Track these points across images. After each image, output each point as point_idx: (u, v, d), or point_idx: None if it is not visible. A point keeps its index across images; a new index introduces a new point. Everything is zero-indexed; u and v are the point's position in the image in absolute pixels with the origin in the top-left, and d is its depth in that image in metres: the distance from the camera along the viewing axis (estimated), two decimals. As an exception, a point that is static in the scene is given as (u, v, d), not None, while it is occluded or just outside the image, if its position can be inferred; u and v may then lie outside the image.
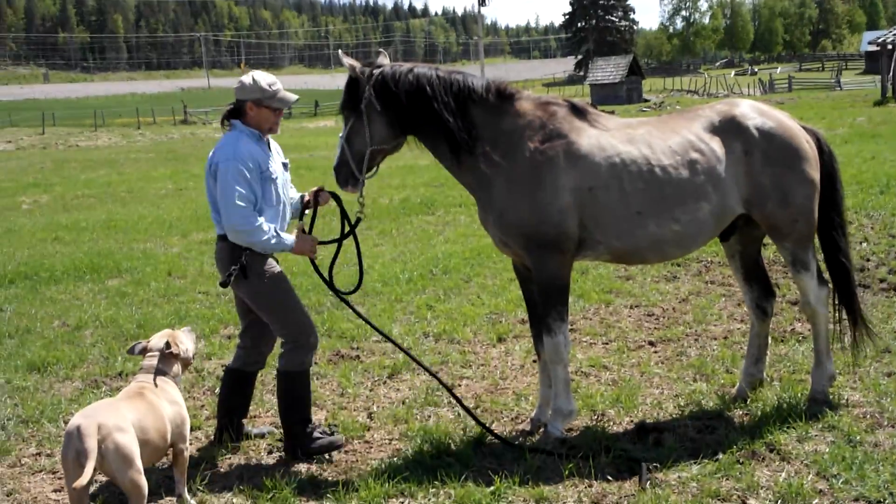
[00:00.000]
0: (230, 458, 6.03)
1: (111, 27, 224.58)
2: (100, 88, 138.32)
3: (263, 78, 5.92)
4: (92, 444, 4.53)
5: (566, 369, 6.08)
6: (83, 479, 4.46)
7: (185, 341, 5.53)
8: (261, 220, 5.73)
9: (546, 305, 5.98)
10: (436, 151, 6.09)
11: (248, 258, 5.81)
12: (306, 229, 6.21)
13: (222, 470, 5.88)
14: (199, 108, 77.25)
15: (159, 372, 5.31)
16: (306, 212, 6.30)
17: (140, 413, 4.93)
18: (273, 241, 5.77)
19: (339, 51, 6.33)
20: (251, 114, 5.91)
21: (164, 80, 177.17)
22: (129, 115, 70.32)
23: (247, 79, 5.92)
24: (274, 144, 6.18)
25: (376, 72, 5.90)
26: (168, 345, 5.38)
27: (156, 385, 5.22)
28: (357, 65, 5.94)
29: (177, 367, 5.42)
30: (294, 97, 6.10)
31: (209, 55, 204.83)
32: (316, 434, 6.02)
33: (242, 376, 6.33)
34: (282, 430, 6.19)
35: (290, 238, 5.89)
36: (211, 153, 5.95)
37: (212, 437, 6.39)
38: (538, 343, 6.34)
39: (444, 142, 5.97)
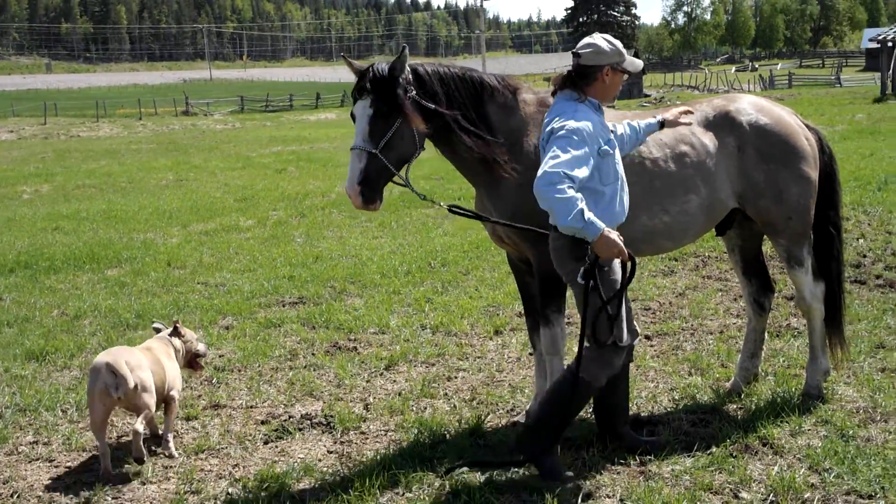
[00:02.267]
0: (225, 448, 6.06)
1: (114, 18, 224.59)
2: (102, 79, 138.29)
3: (615, 40, 5.22)
4: (125, 372, 5.44)
5: (562, 361, 6.10)
6: (122, 397, 5.49)
7: (192, 336, 6.48)
8: (571, 192, 4.77)
9: (545, 297, 5.99)
10: (452, 147, 5.79)
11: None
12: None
13: (217, 459, 5.90)
14: (201, 99, 77.18)
15: (164, 338, 6.28)
16: None
17: (149, 360, 5.87)
18: (579, 223, 4.76)
19: (392, 60, 5.45)
20: (606, 79, 5.19)
21: (167, 72, 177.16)
22: (131, 106, 70.21)
23: (602, 42, 5.16)
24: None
25: (409, 70, 5.53)
26: (176, 322, 6.40)
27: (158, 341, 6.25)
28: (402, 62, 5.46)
29: (179, 343, 6.30)
30: (641, 63, 5.40)
31: (211, 47, 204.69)
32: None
33: None
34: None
35: (599, 225, 4.77)
36: (545, 124, 5.18)
37: (207, 426, 6.43)
38: (534, 335, 6.36)
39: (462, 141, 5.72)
